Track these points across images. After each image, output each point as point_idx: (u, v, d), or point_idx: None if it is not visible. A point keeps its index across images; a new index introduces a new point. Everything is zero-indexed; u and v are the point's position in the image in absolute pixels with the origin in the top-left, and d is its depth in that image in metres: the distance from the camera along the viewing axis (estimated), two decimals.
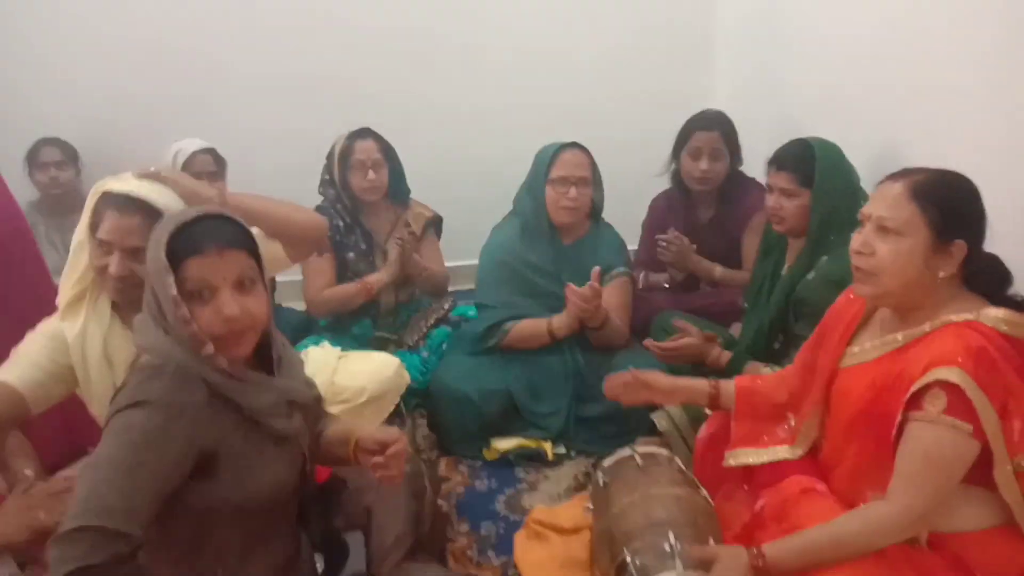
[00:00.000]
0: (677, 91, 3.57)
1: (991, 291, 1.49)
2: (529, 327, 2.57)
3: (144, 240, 1.49)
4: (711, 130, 2.74)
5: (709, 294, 2.83)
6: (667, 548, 1.55)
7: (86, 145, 3.23)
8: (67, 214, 3.12)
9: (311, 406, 1.57)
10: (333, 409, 2.25)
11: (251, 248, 1.39)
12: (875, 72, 2.45)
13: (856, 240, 1.52)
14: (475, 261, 2.79)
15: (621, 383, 1.95)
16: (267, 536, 1.47)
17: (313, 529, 1.62)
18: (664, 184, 2.96)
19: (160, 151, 2.96)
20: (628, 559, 1.57)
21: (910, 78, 2.27)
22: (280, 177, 3.17)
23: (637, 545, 1.60)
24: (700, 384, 1.90)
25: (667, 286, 2.90)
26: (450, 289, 3.07)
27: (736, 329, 2.52)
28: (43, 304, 1.86)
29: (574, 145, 2.60)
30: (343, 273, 2.83)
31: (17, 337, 1.74)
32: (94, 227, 1.66)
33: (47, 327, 1.76)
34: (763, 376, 1.94)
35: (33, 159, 3.06)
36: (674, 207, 2.92)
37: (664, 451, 1.87)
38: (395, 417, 2.43)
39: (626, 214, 2.94)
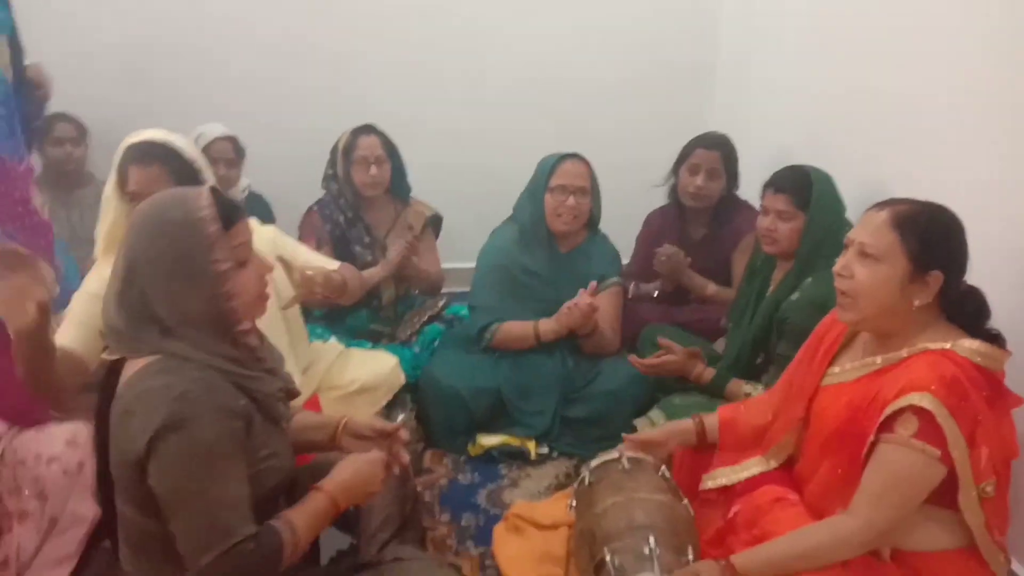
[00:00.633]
0: (677, 114, 3.66)
1: (968, 322, 1.54)
2: (517, 328, 2.61)
3: (168, 185, 1.63)
4: (712, 150, 2.81)
5: (696, 309, 2.88)
6: (646, 551, 1.59)
7: (93, 124, 3.25)
8: (73, 189, 3.15)
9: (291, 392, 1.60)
10: (326, 397, 2.30)
11: None
12: (864, 108, 2.55)
13: (839, 263, 1.59)
14: (473, 264, 2.82)
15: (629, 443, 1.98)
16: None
17: None
18: (660, 202, 3.03)
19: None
20: (607, 558, 1.61)
21: (899, 114, 2.36)
22: (286, 170, 3.25)
23: (617, 545, 1.64)
24: (686, 424, 1.95)
25: (656, 295, 2.96)
26: (446, 290, 3.11)
27: (721, 345, 2.59)
28: None
29: (575, 156, 2.65)
30: None
31: None
32: (121, 184, 1.84)
33: (88, 284, 1.88)
34: (747, 401, 2.01)
35: (47, 134, 3.08)
36: (669, 223, 2.99)
37: (651, 458, 1.91)
38: (392, 409, 2.47)
39: (622, 228, 2.99)
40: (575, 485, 1.95)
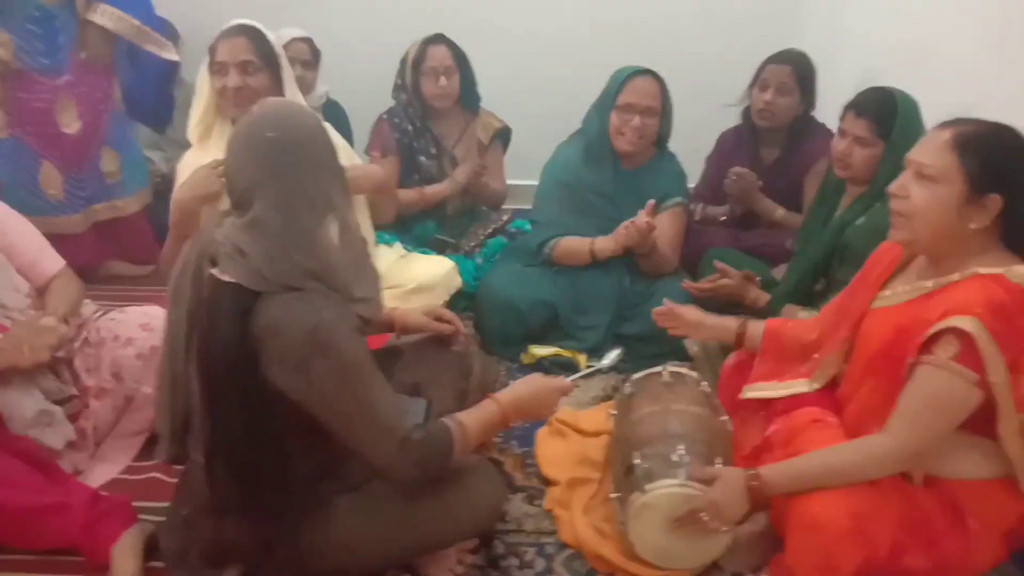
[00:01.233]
0: (764, 36, 3.40)
1: None
2: (574, 244, 2.61)
3: (252, 55, 1.93)
4: (783, 64, 2.71)
5: (764, 234, 2.83)
6: (675, 459, 1.64)
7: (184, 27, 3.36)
8: None
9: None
10: (385, 295, 2.39)
11: None
12: (958, 30, 2.40)
13: (895, 183, 1.54)
14: (536, 182, 2.80)
15: (659, 313, 2.03)
16: None
17: None
18: (734, 120, 2.94)
19: None
20: (636, 462, 1.67)
21: (992, 35, 2.22)
22: (362, 79, 3.28)
23: (648, 451, 1.69)
24: (727, 322, 1.96)
25: (723, 219, 2.92)
26: (512, 206, 3.13)
27: (780, 271, 2.55)
28: None
29: (648, 72, 2.55)
30: (409, 176, 2.92)
31: None
32: (212, 65, 2.07)
33: (183, 165, 2.15)
34: (797, 320, 1.99)
35: None
36: (742, 144, 2.90)
37: (694, 373, 1.94)
38: None
39: (695, 149, 2.93)
40: (616, 396, 1.99)
